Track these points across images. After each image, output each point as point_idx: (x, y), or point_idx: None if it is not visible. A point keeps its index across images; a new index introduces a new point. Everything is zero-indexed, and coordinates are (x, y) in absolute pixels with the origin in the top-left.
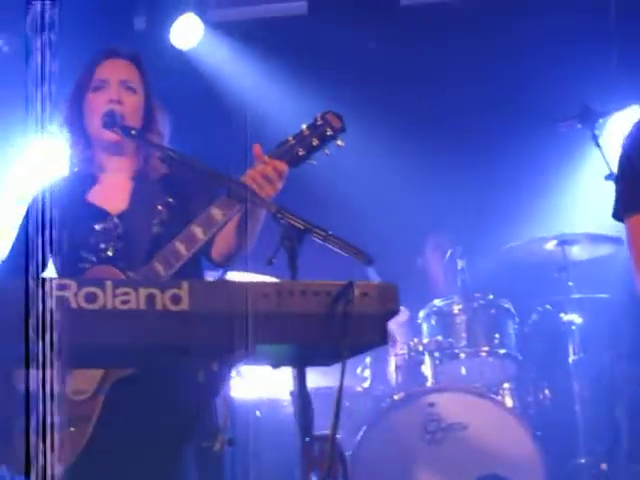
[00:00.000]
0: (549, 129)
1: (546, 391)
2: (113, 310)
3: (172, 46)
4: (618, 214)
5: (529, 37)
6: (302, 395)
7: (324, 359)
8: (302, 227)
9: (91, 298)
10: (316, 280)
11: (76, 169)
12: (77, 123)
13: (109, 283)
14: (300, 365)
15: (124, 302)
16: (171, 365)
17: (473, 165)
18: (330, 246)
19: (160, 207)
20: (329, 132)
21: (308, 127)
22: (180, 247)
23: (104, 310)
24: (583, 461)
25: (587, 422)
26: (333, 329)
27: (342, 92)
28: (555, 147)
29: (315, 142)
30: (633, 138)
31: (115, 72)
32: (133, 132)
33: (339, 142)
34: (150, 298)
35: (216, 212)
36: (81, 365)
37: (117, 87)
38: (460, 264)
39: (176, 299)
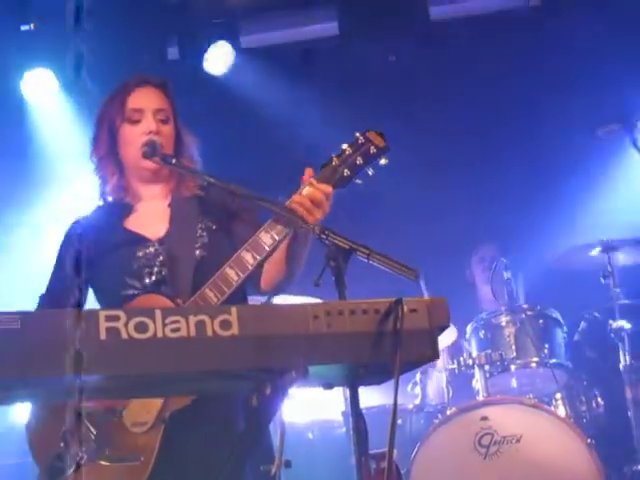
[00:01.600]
0: (589, 134)
1: (599, 399)
2: (164, 339)
3: (206, 74)
4: None
5: (567, 43)
6: (356, 414)
7: (376, 377)
8: (347, 247)
9: (142, 328)
10: (364, 298)
11: (110, 198)
12: (111, 153)
13: (158, 312)
14: (352, 385)
15: (174, 330)
16: (224, 391)
17: (515, 176)
18: (375, 264)
19: (201, 231)
20: (373, 150)
21: (350, 146)
22: (231, 273)
23: (155, 339)
24: None
25: None
26: (384, 347)
27: (378, 110)
28: (596, 153)
29: (359, 161)
30: None
31: (148, 101)
32: (173, 161)
33: (383, 160)
34: (200, 325)
35: (264, 236)
36: (135, 395)
37: (152, 117)
38: (506, 275)
39: (226, 325)
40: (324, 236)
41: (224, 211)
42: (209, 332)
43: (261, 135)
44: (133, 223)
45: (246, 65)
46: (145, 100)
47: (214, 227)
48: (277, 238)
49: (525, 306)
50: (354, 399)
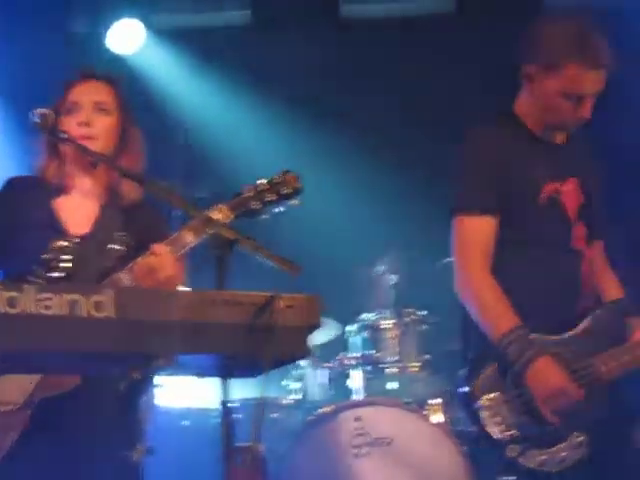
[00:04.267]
0: None
1: None
2: (34, 314)
3: (112, 51)
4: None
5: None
6: (224, 406)
7: (247, 371)
8: (231, 237)
9: (12, 302)
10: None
11: (45, 175)
12: (53, 143)
13: (30, 287)
14: (223, 376)
15: (46, 307)
16: (93, 373)
17: (417, 179)
18: (259, 256)
19: (120, 244)
20: (286, 191)
21: (265, 182)
22: (124, 278)
23: (25, 314)
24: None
25: None
26: (255, 340)
27: (287, 105)
28: None
29: (270, 198)
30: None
31: (88, 94)
32: (63, 136)
33: (294, 202)
34: (73, 304)
35: (186, 235)
36: (3, 371)
37: (88, 109)
38: (394, 278)
39: (100, 306)
40: (209, 225)
41: (148, 232)
42: (82, 312)
43: (165, 119)
44: (60, 209)
45: (156, 45)
46: (84, 93)
47: (132, 243)
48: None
49: (410, 310)
50: (224, 391)
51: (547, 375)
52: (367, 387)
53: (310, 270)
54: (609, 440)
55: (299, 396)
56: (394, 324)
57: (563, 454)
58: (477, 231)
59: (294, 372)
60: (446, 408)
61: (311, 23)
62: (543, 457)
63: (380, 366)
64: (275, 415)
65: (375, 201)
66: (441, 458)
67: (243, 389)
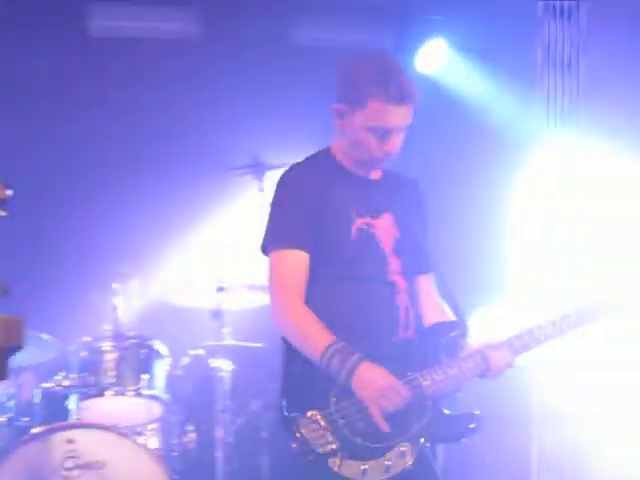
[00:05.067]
0: (223, 177)
1: (192, 435)
2: None
3: None
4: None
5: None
6: None
7: None
8: None
9: None
10: None
11: None
12: None
13: None
14: None
15: None
16: None
17: (155, 205)
18: None
19: None
20: None
21: None
22: None
23: None
24: None
25: (229, 468)
26: None
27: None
28: (227, 194)
29: None
30: (299, 178)
31: None
32: None
33: (1, 212)
34: None
35: None
36: None
37: None
38: (116, 301)
39: None
40: None
41: None
42: None
43: None
44: None
45: None
46: None
47: None
48: None
49: (130, 334)
50: None
51: (374, 376)
52: (83, 410)
53: (39, 289)
54: (424, 454)
55: (11, 415)
56: (112, 347)
57: (387, 463)
58: (288, 265)
59: (9, 390)
60: (161, 434)
61: (55, 32)
62: (363, 467)
63: (97, 388)
64: None
65: (111, 221)
66: None
67: None
